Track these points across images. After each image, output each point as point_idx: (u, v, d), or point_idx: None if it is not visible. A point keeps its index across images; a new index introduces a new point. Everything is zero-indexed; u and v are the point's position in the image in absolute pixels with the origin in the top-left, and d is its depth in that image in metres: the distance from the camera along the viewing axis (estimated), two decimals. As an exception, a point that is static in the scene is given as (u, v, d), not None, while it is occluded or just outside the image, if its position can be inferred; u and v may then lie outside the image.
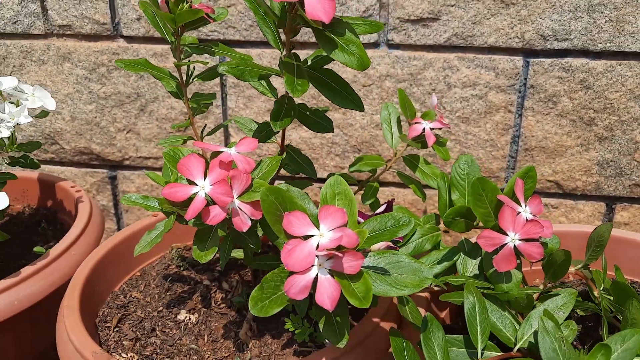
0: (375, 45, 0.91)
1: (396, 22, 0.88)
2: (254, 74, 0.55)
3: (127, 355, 0.64)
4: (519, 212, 0.56)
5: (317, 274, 0.45)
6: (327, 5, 0.47)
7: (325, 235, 0.46)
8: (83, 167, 1.12)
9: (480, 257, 0.62)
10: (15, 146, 0.75)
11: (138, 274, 0.79)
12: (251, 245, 0.57)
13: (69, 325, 0.61)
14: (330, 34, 0.50)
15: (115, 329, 0.69)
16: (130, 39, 0.99)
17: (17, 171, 0.98)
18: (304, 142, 1.00)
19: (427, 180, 0.75)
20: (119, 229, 1.18)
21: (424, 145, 0.75)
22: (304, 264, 0.45)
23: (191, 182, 0.53)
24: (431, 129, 0.75)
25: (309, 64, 0.60)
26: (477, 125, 0.92)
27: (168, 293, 0.76)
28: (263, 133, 0.62)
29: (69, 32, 1.00)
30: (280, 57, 0.56)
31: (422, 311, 0.63)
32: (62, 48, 1.01)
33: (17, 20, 1.01)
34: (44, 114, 0.83)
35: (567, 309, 0.53)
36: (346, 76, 0.93)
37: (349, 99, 0.56)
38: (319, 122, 0.63)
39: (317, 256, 0.45)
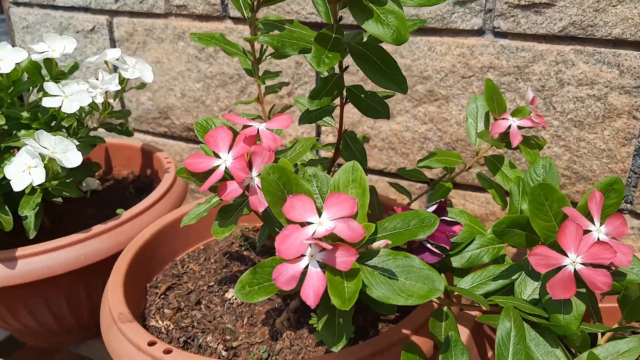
0: (479, 32, 0.82)
1: (504, 8, 0.78)
2: (295, 46, 0.51)
3: (162, 322, 0.65)
4: (589, 231, 0.46)
5: (307, 265, 0.41)
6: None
7: (325, 224, 0.41)
8: (190, 143, 1.17)
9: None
10: (107, 112, 0.80)
11: (202, 247, 0.80)
12: (275, 228, 0.53)
13: (111, 284, 0.63)
14: (366, 1, 0.45)
15: (162, 296, 0.70)
16: (236, 20, 1.01)
17: (123, 140, 1.06)
18: (394, 135, 0.93)
19: (508, 185, 0.65)
20: None
21: (509, 145, 0.65)
22: (295, 252, 0.40)
23: (216, 155, 0.51)
24: (519, 127, 0.65)
25: (361, 40, 0.55)
26: (593, 131, 0.78)
27: (224, 270, 0.75)
28: (313, 114, 0.58)
29: (184, 12, 1.05)
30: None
31: (465, 332, 0.54)
32: (178, 27, 1.07)
33: (143, 0, 1.08)
34: (142, 85, 0.88)
35: (630, 356, 0.41)
36: (444, 65, 0.85)
37: (391, 78, 0.49)
38: (373, 107, 0.57)
39: (310, 245, 0.41)
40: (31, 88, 0.81)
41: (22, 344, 0.96)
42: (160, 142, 1.21)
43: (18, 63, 0.73)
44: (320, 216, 0.42)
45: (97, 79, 0.79)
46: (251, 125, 0.51)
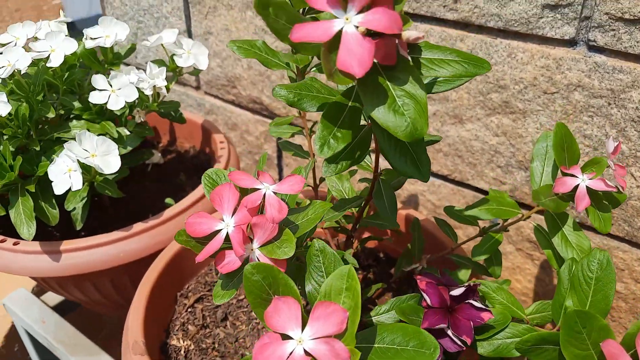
0: (570, 43, 0.69)
1: (603, 19, 0.64)
2: (315, 100, 0.45)
3: (184, 342, 0.66)
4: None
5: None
6: (364, 54, 0.34)
7: (304, 343, 0.37)
8: (256, 115, 1.14)
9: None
10: (156, 104, 0.78)
11: (240, 251, 0.79)
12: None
13: (135, 302, 0.64)
14: (381, 78, 0.37)
15: (189, 309, 0.70)
16: None
17: (186, 113, 1.05)
18: (462, 142, 0.84)
19: (567, 251, 0.56)
20: (280, 179, 1.20)
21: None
22: (270, 368, 0.37)
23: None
24: (589, 188, 0.55)
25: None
26: (696, 178, 0.65)
27: (257, 281, 0.74)
28: (337, 166, 0.51)
29: (252, -18, 0.99)
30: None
31: None
32: (246, -3, 1.01)
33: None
34: (196, 71, 0.84)
35: None
36: (524, 76, 0.73)
37: (413, 160, 0.42)
38: (410, 164, 0.49)
39: (285, 366, 0.37)
40: (90, 72, 0.81)
41: (77, 305, 1.03)
42: (228, 109, 1.19)
43: (68, 55, 0.72)
44: (303, 329, 0.38)
45: (145, 72, 0.76)
46: (257, 188, 0.47)
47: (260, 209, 0.47)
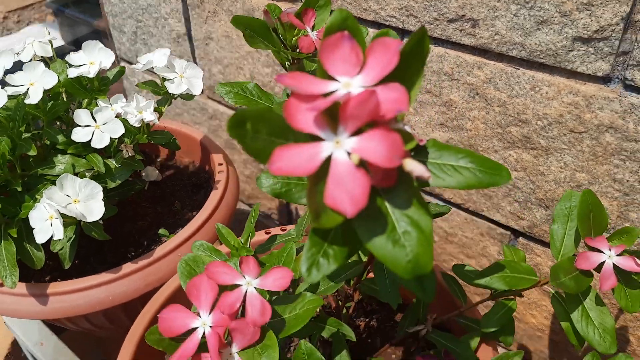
0: (604, 80, 0.61)
1: (644, 57, 0.57)
2: (301, 194, 0.39)
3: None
4: None
5: None
6: (358, 190, 0.28)
7: None
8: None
9: None
10: (145, 137, 0.73)
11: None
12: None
13: (122, 353, 0.60)
14: (380, 199, 0.31)
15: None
16: None
17: (184, 128, 0.99)
18: (477, 174, 0.77)
19: (587, 331, 0.51)
20: (289, 219, 1.15)
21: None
22: None
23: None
24: (616, 266, 0.49)
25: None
26: None
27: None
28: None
29: (254, -13, 0.91)
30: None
31: None
32: (247, 3, 0.93)
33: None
34: (189, 97, 0.78)
35: None
36: (548, 112, 0.66)
37: (418, 283, 0.36)
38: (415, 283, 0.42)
39: None
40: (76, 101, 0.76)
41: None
42: (228, 114, 1.13)
43: (47, 90, 0.67)
44: None
45: (132, 103, 0.70)
46: (237, 285, 0.41)
47: (241, 308, 0.42)
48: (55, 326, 0.94)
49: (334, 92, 0.29)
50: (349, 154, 0.28)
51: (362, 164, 0.28)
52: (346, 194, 0.28)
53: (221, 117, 1.15)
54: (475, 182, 0.33)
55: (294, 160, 0.28)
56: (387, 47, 0.29)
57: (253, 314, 0.40)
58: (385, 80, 0.29)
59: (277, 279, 0.42)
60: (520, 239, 0.79)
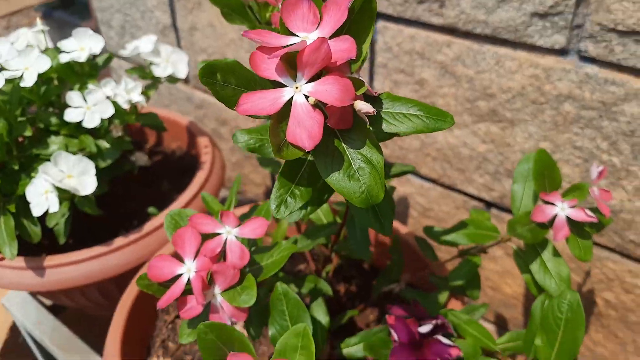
0: (561, 52, 0.66)
1: (595, 29, 0.61)
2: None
3: (164, 361, 0.66)
4: None
5: None
6: (314, 126, 0.32)
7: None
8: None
9: None
10: (134, 118, 0.77)
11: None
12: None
13: (113, 327, 0.64)
14: (337, 140, 0.35)
15: (170, 325, 0.70)
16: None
17: (172, 114, 1.03)
18: (450, 149, 0.82)
19: (545, 280, 0.55)
20: (272, 184, 1.18)
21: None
22: None
23: (182, 260, 0.46)
24: (568, 218, 0.53)
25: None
26: (687, 196, 0.63)
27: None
28: (294, 214, 0.48)
29: (237, -23, 0.95)
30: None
31: None
32: (231, -7, 0.97)
33: (196, -41, 0.99)
34: (174, 80, 0.82)
35: None
36: (512, 85, 0.70)
37: (376, 214, 0.40)
38: (372, 216, 0.47)
39: None
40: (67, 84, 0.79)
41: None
42: (218, 105, 1.17)
43: (42, 72, 0.70)
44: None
45: (121, 85, 0.74)
46: (218, 234, 0.45)
47: (222, 254, 0.46)
48: (52, 308, 0.98)
49: (293, 44, 0.34)
50: (307, 97, 0.33)
51: (318, 106, 0.33)
52: (305, 131, 0.32)
53: (208, 107, 1.19)
54: (423, 127, 0.37)
55: (260, 103, 0.33)
56: (338, 5, 0.33)
57: (233, 258, 0.44)
58: (338, 34, 0.34)
59: (254, 228, 0.46)
60: (492, 210, 0.83)
